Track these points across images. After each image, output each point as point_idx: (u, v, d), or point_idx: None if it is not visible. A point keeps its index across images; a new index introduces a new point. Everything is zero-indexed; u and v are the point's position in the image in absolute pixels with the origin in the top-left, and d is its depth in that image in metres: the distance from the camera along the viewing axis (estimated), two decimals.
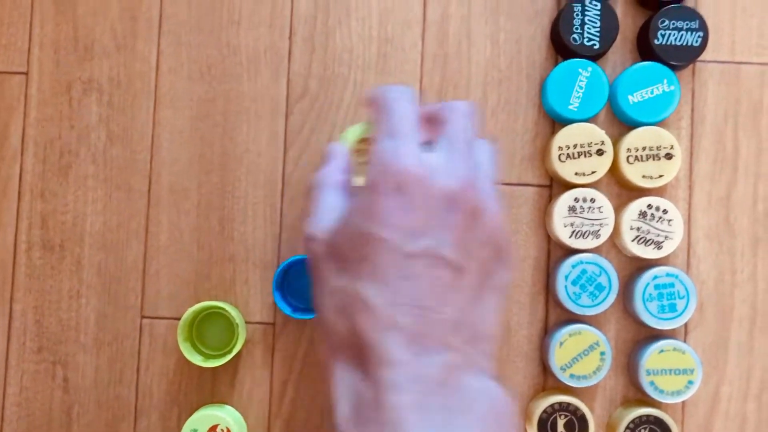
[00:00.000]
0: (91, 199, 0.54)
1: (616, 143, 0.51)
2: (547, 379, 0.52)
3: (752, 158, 0.52)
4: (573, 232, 0.50)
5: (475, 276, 0.33)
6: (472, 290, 0.33)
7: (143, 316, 0.53)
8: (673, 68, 0.51)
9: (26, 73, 0.54)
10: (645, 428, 0.49)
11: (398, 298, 0.32)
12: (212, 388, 0.53)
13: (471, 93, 0.53)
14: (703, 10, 0.52)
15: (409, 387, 0.31)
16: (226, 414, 0.50)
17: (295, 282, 0.53)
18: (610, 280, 0.50)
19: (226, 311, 0.51)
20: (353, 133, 0.41)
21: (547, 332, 0.52)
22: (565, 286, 0.50)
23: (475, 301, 0.33)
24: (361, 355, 0.32)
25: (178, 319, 0.53)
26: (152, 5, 0.54)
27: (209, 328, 0.53)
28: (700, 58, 0.52)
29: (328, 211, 0.36)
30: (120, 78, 0.54)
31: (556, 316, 0.52)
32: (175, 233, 0.53)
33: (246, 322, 0.53)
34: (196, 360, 0.50)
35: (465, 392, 0.32)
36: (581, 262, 0.50)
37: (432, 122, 0.36)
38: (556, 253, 0.53)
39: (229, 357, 0.50)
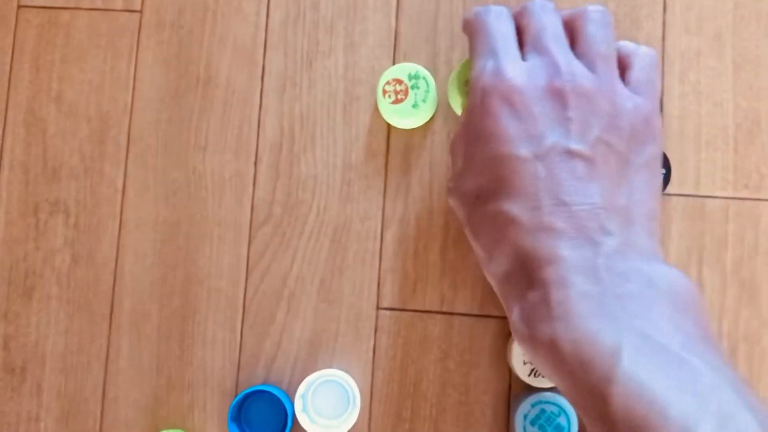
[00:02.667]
0: (54, 320, 0.54)
1: None
2: None
3: (717, 294, 0.51)
4: (532, 370, 0.49)
5: (613, 160, 0.33)
6: (614, 174, 0.33)
7: None
8: None
9: None
10: None
11: (539, 201, 0.32)
12: None
13: (433, 223, 0.53)
14: (668, 144, 0.52)
15: (574, 280, 0.30)
16: None
17: (252, 411, 0.52)
18: (569, 421, 0.49)
19: None
20: (463, 72, 0.42)
21: None
22: (524, 427, 0.49)
23: (620, 184, 0.33)
24: (524, 271, 0.32)
25: None
26: (121, 128, 0.55)
27: None
28: (664, 192, 0.52)
29: (459, 154, 0.36)
30: (87, 200, 0.54)
31: None
32: (135, 358, 0.53)
33: None
34: None
35: (634, 277, 0.31)
36: (540, 402, 0.49)
37: (568, 31, 0.36)
38: (516, 387, 0.52)
39: None
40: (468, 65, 0.42)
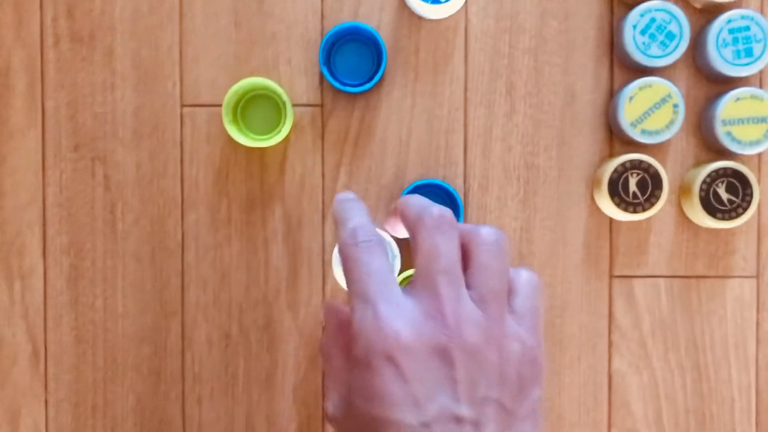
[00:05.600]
0: None
1: None
2: (614, 146, 0.50)
3: None
4: None
5: (500, 417, 0.32)
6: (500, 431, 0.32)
7: (183, 105, 0.50)
8: None
9: None
10: (722, 182, 0.47)
11: None
12: (261, 175, 0.50)
13: None
14: None
15: None
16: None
17: (341, 57, 0.49)
18: (681, 27, 0.47)
19: (271, 90, 0.48)
20: None
21: (613, 96, 0.49)
22: (633, 37, 0.47)
23: None
24: None
25: (220, 106, 0.50)
26: None
27: (254, 113, 0.50)
28: None
29: (335, 387, 0.35)
30: None
31: (621, 79, 0.49)
32: (210, 14, 0.50)
33: (292, 105, 0.50)
34: (244, 140, 0.47)
35: None
36: (650, 10, 0.47)
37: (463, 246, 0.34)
38: (619, 11, 0.49)
39: (279, 137, 0.47)
40: None
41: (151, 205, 0.50)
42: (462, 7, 0.49)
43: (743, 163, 0.48)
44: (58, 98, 0.50)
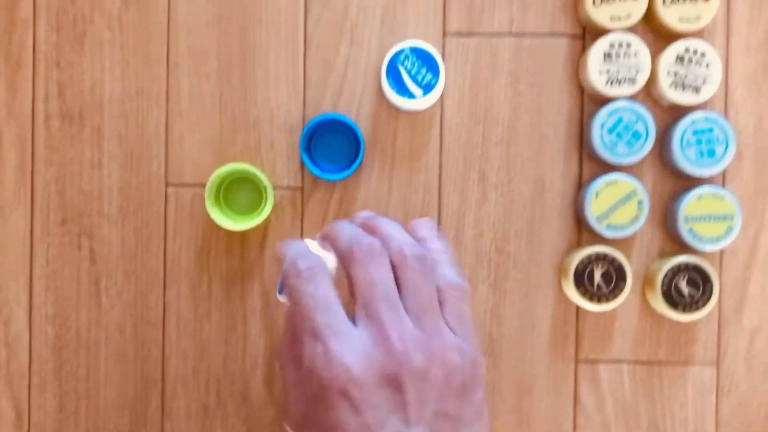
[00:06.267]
0: (109, 66, 0.52)
1: None
2: (582, 235, 0.51)
3: None
4: (608, 79, 0.48)
5: (450, 428, 0.34)
6: None
7: (168, 184, 0.52)
8: None
9: None
10: (684, 276, 0.49)
11: None
12: (241, 253, 0.52)
13: None
14: None
15: None
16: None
17: (321, 144, 0.51)
18: (647, 127, 0.48)
19: (253, 174, 0.50)
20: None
21: (581, 187, 0.51)
22: (601, 135, 0.49)
23: None
24: None
25: (204, 186, 0.52)
26: None
27: (236, 194, 0.52)
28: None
29: (293, 398, 0.36)
30: None
31: (590, 171, 0.51)
32: (196, 98, 0.52)
33: (273, 188, 0.52)
34: (225, 223, 0.49)
35: None
36: (618, 110, 0.48)
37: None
38: (589, 106, 0.51)
39: (259, 219, 0.49)
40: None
41: (135, 279, 0.52)
42: (438, 100, 0.51)
43: (705, 258, 0.50)
44: (47, 174, 0.52)
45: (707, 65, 0.48)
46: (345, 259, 0.36)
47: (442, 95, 0.51)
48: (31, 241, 0.52)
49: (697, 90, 0.48)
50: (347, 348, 0.33)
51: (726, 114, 0.51)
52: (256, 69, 0.52)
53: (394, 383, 0.33)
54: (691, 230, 0.48)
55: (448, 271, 0.37)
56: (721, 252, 0.51)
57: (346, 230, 0.36)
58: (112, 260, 0.52)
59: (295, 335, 0.35)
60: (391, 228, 0.37)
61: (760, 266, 0.51)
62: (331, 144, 0.51)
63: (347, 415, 0.33)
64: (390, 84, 0.49)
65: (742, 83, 0.51)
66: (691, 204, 0.48)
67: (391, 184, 0.52)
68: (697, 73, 0.48)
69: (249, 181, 0.52)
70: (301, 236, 0.52)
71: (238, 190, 0.52)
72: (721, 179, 0.51)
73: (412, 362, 0.33)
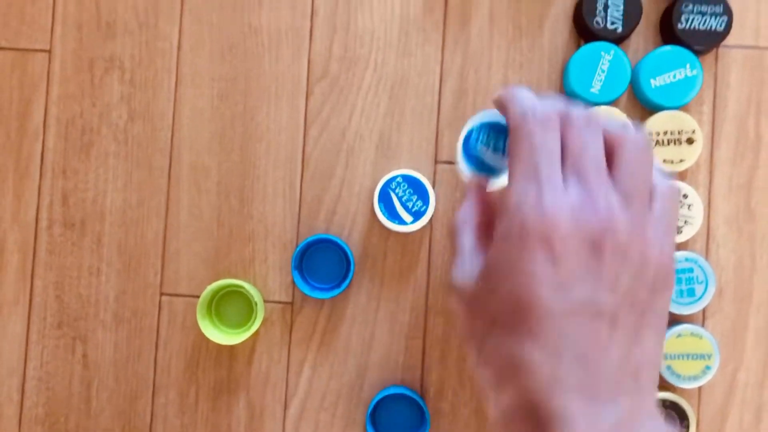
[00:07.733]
0: (112, 176, 0.54)
1: None
2: None
3: None
4: None
5: (634, 313, 0.32)
6: (632, 330, 0.32)
7: (162, 294, 0.54)
8: (696, 53, 0.51)
9: (49, 51, 0.54)
10: (660, 413, 0.49)
11: (559, 355, 0.31)
12: (230, 365, 0.53)
13: (492, 76, 0.53)
14: None
15: None
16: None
17: (313, 261, 0.53)
18: None
19: (245, 289, 0.51)
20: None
21: None
22: None
23: (636, 339, 0.32)
24: (531, 421, 0.31)
25: (197, 296, 0.53)
26: None
27: (228, 307, 0.53)
28: (723, 43, 0.52)
29: (470, 258, 0.35)
30: (141, 56, 0.54)
31: None
32: (195, 211, 0.54)
33: (264, 301, 0.53)
34: (215, 337, 0.50)
35: None
36: None
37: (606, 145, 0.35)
38: None
39: (247, 334, 0.50)
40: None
41: (125, 385, 0.53)
42: (428, 223, 0.53)
43: (682, 395, 0.50)
44: (47, 278, 0.54)
45: (689, 207, 0.50)
46: (560, 122, 0.35)
47: (431, 219, 0.53)
48: (26, 342, 0.54)
49: (678, 231, 0.50)
50: (561, 201, 0.32)
51: (707, 251, 0.52)
52: (255, 185, 0.53)
53: (595, 248, 0.32)
54: (669, 368, 0.49)
55: (664, 177, 0.36)
56: (700, 390, 0.52)
57: (551, 102, 0.35)
58: (105, 365, 0.53)
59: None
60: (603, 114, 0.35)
61: (738, 403, 0.51)
62: (323, 261, 0.53)
63: (544, 266, 0.31)
64: (381, 209, 0.50)
65: (723, 222, 0.52)
66: (670, 342, 0.49)
67: (379, 302, 0.53)
68: (679, 215, 0.50)
69: (241, 293, 0.53)
70: (288, 352, 0.53)
71: (230, 302, 0.53)
72: (701, 317, 0.52)
73: (616, 234, 0.32)
